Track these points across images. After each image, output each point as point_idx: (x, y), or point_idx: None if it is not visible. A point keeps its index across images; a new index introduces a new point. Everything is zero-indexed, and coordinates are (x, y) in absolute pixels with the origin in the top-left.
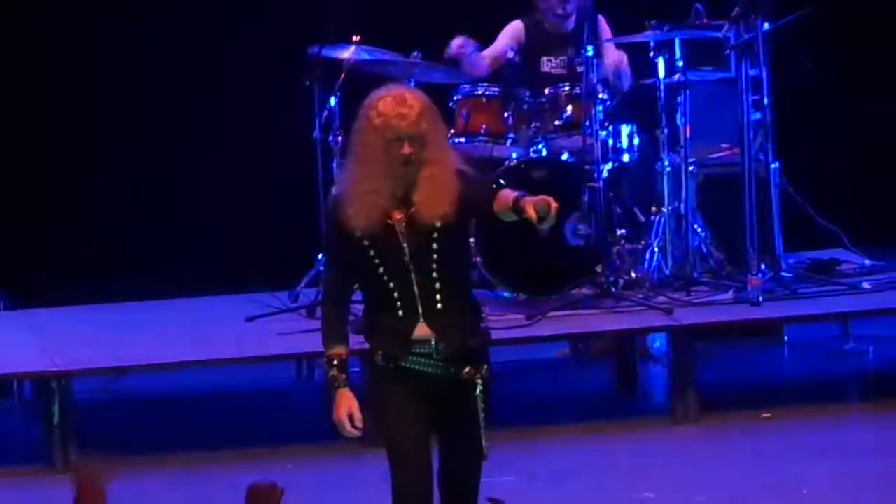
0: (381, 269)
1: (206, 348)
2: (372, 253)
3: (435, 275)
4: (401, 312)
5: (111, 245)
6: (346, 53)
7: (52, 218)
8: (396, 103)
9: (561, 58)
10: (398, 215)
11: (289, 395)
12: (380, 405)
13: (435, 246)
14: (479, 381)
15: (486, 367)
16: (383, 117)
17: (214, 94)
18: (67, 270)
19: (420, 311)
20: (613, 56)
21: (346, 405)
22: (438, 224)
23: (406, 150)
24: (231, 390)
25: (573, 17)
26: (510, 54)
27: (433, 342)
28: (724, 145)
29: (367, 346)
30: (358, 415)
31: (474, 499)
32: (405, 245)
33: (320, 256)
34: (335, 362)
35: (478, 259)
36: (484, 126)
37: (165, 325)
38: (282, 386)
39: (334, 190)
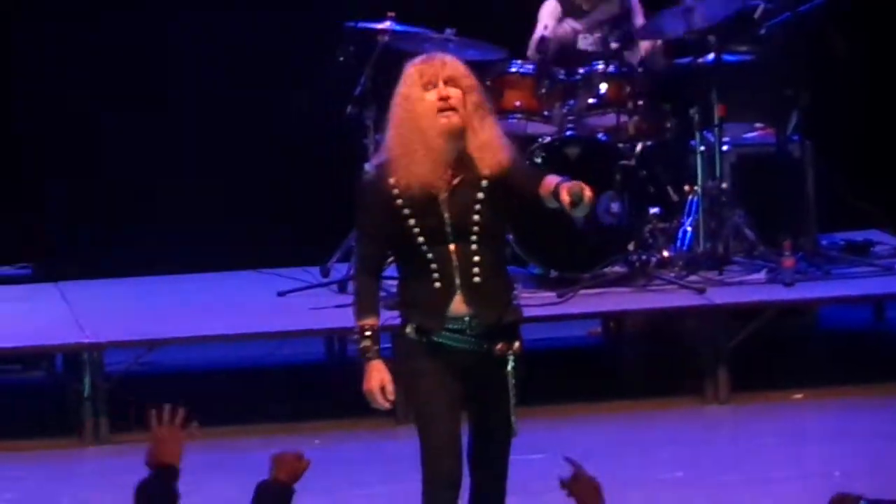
0: (421, 239)
1: (238, 322)
2: (412, 222)
3: (474, 246)
4: (438, 284)
5: (144, 217)
6: (381, 28)
7: (83, 190)
8: (427, 59)
9: (596, 34)
10: (441, 184)
11: (319, 371)
12: (410, 380)
13: (476, 217)
14: (511, 358)
15: (517, 343)
16: (416, 67)
17: (247, 68)
18: (99, 242)
19: (458, 283)
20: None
21: (378, 377)
22: (481, 195)
23: (442, 91)
24: (261, 365)
25: None
26: (545, 31)
27: (468, 318)
28: (757, 125)
29: (398, 321)
30: (390, 387)
31: (503, 475)
32: (446, 215)
33: (352, 231)
34: (367, 333)
35: (510, 236)
36: (518, 103)
37: (197, 298)
38: (312, 361)
39: (373, 161)
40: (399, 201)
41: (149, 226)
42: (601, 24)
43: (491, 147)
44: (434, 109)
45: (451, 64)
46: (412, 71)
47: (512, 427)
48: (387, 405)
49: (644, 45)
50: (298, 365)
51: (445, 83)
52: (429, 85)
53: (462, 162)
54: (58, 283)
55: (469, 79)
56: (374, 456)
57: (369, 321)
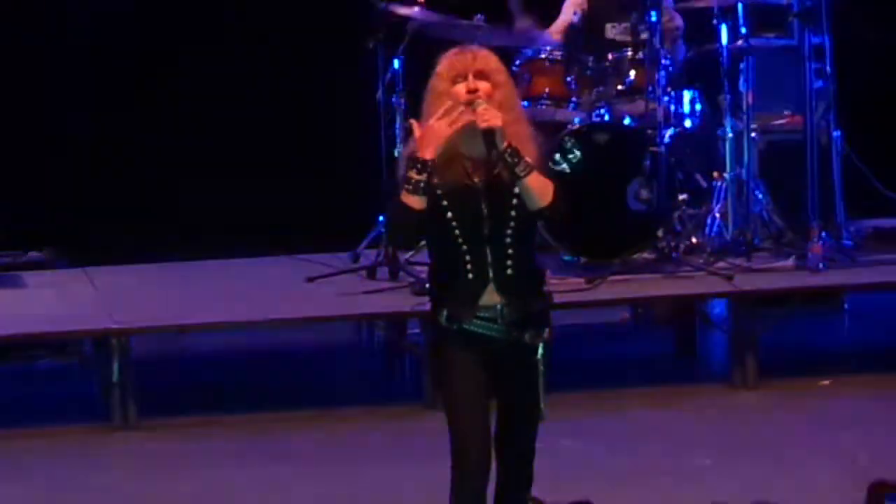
0: (457, 231)
1: (266, 308)
2: (449, 214)
3: (509, 240)
4: (471, 276)
5: (173, 203)
6: (411, 13)
7: (113, 175)
8: (459, 52)
9: (624, 24)
10: (479, 177)
11: (348, 356)
12: (441, 367)
13: (513, 213)
14: (541, 345)
15: (547, 330)
16: (448, 61)
17: (278, 53)
18: (127, 228)
19: (490, 275)
20: (676, 22)
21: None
22: (517, 189)
23: (471, 84)
24: (290, 351)
25: None
26: (574, 18)
27: (499, 307)
28: (786, 112)
29: (428, 307)
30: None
31: (530, 460)
32: (485, 209)
33: (381, 217)
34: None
35: (539, 222)
36: (546, 90)
37: (226, 284)
38: (341, 347)
39: (409, 146)
40: (438, 191)
41: (178, 211)
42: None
43: (525, 135)
44: (465, 99)
45: (483, 57)
46: (443, 64)
47: (541, 412)
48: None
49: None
50: (327, 351)
51: (475, 76)
52: (458, 78)
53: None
54: (86, 268)
55: (500, 74)
56: (403, 441)
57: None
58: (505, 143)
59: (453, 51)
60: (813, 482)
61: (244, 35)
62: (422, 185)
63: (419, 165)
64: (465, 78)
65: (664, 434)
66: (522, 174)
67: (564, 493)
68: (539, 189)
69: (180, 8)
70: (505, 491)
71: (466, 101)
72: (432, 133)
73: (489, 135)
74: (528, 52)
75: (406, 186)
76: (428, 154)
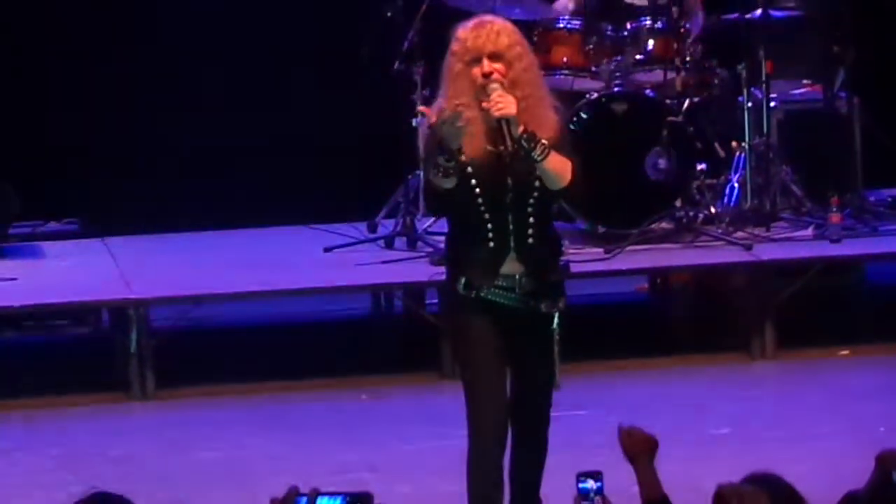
0: (480, 200)
1: (284, 278)
2: (473, 182)
3: (531, 209)
4: (492, 244)
5: (191, 172)
6: None
7: (129, 145)
8: (476, 25)
9: None
10: (503, 146)
11: (365, 326)
12: (457, 335)
13: (537, 182)
14: (556, 315)
15: (562, 300)
16: (461, 41)
17: (294, 23)
18: (146, 198)
19: (512, 244)
20: None
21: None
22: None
23: (485, 67)
24: (308, 320)
25: None
26: None
27: (518, 276)
28: (804, 81)
29: (444, 277)
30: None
31: (545, 428)
32: (510, 180)
33: (399, 187)
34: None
35: None
36: (565, 59)
37: (243, 254)
38: (359, 316)
39: (428, 121)
40: (462, 159)
41: (196, 181)
42: None
43: (535, 124)
44: (478, 85)
45: (497, 36)
46: (459, 42)
47: (554, 380)
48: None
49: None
50: (345, 320)
51: (490, 58)
52: (472, 61)
53: (519, 118)
54: (104, 238)
55: (515, 49)
56: (420, 410)
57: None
58: (520, 129)
59: (469, 27)
60: (829, 453)
61: (259, 4)
62: (451, 170)
63: (446, 155)
64: (480, 60)
65: (680, 404)
66: (540, 159)
67: (578, 462)
68: (558, 171)
69: None
70: (520, 459)
71: (482, 84)
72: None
73: (504, 122)
74: (546, 21)
75: (435, 171)
76: (453, 144)
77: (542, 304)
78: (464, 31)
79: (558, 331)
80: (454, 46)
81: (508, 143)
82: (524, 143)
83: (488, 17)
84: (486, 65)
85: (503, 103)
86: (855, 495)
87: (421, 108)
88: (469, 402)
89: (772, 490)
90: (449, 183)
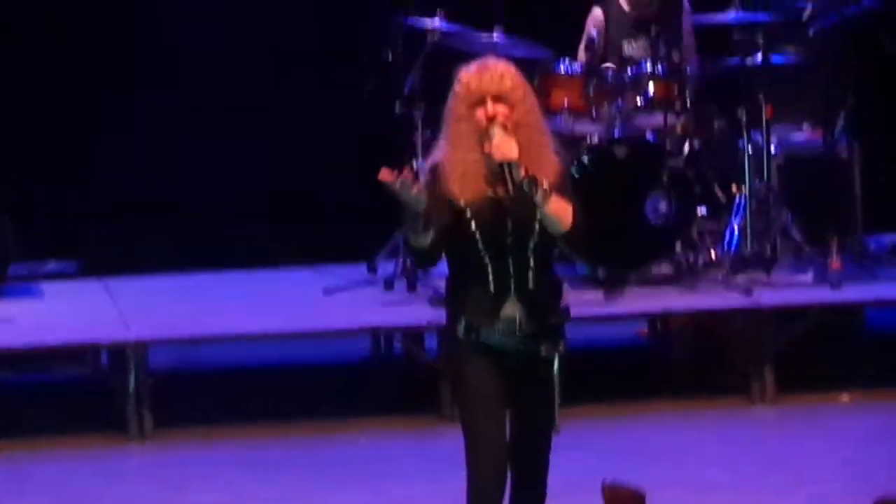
0: (480, 244)
1: (283, 320)
2: (473, 226)
3: (531, 252)
4: (492, 287)
5: (190, 213)
6: (432, 25)
7: (129, 185)
8: (479, 68)
9: (642, 39)
10: (503, 190)
11: (365, 368)
12: (457, 379)
13: (537, 226)
14: (556, 358)
15: (562, 343)
16: (465, 83)
17: (295, 66)
18: (146, 239)
19: (512, 288)
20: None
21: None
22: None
23: (489, 110)
24: (307, 362)
25: None
26: (593, 33)
27: (518, 320)
28: (805, 126)
29: (444, 320)
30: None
31: (544, 471)
32: (509, 222)
33: (399, 229)
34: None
35: None
36: (565, 103)
37: (242, 295)
38: (358, 359)
39: (429, 159)
40: (462, 203)
41: (195, 222)
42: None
43: (545, 151)
44: (481, 123)
45: (501, 79)
46: (462, 84)
47: (554, 424)
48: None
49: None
50: (344, 363)
51: (494, 100)
52: (476, 104)
53: (520, 159)
54: (103, 279)
55: (518, 91)
56: (419, 453)
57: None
58: (522, 172)
59: (472, 69)
60: (828, 498)
61: (262, 47)
62: (419, 229)
63: (412, 216)
64: (483, 102)
65: (680, 448)
66: (541, 203)
67: None
68: (559, 214)
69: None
70: (518, 502)
71: (485, 127)
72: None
73: (506, 165)
74: (548, 64)
75: (406, 230)
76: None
77: (542, 347)
78: (467, 74)
79: (558, 374)
80: (457, 88)
81: (510, 186)
82: (525, 187)
83: (491, 60)
84: (490, 107)
85: (505, 147)
86: None
87: (384, 171)
88: (468, 446)
89: None
90: (424, 239)
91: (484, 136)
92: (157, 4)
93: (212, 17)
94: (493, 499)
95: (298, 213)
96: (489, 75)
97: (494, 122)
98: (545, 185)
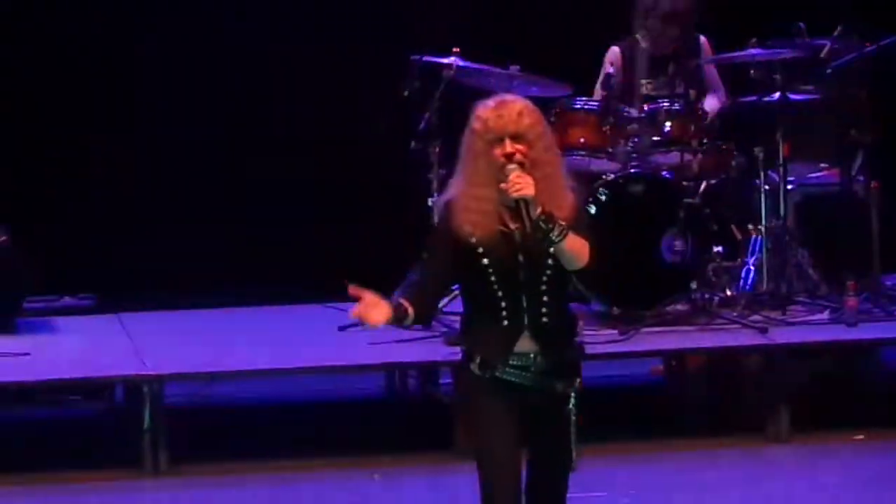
0: (493, 278)
1: (298, 356)
2: (485, 261)
3: (544, 287)
4: (506, 322)
5: (206, 249)
6: (447, 63)
7: (145, 221)
8: (496, 105)
9: (660, 79)
10: (515, 225)
11: (379, 405)
12: (472, 416)
13: (549, 261)
14: (573, 395)
15: (578, 380)
16: (483, 120)
17: (311, 103)
18: (162, 274)
19: (525, 322)
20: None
21: (375, 298)
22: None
23: (507, 148)
24: (322, 399)
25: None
26: (610, 70)
27: (533, 355)
28: (822, 164)
29: (459, 356)
30: (384, 308)
31: None
32: (521, 257)
33: (413, 267)
34: (395, 300)
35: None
36: (582, 140)
37: (257, 331)
38: (372, 396)
39: (444, 195)
40: (473, 240)
41: (211, 258)
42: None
43: (549, 205)
44: (499, 161)
45: (519, 117)
46: (480, 121)
47: (571, 462)
48: (366, 317)
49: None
50: (358, 399)
51: (512, 139)
52: (493, 142)
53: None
54: (119, 314)
55: (536, 129)
56: (433, 491)
57: (401, 298)
58: (538, 210)
59: (490, 105)
60: None
61: (280, 84)
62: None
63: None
64: (501, 140)
65: (694, 486)
66: (558, 240)
67: None
68: (575, 252)
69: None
70: None
71: (501, 165)
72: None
73: (522, 202)
74: (564, 101)
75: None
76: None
77: (557, 383)
78: (485, 111)
79: (575, 411)
80: (475, 125)
81: (526, 223)
82: (542, 225)
83: (509, 97)
84: (509, 146)
85: (521, 184)
86: None
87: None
88: (483, 483)
89: None
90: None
91: (500, 173)
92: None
93: (227, 54)
94: None
95: (313, 250)
96: (507, 112)
97: (511, 161)
98: (561, 223)
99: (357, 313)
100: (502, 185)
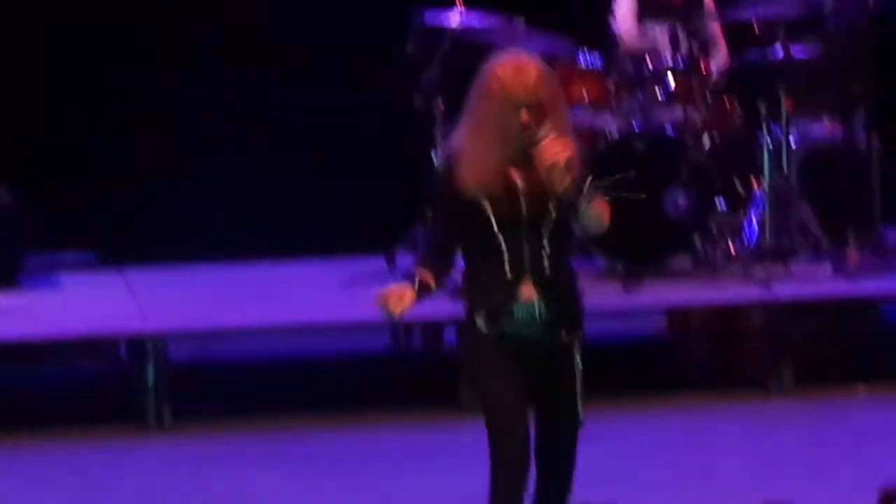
0: (496, 229)
1: (302, 312)
2: (489, 212)
3: (546, 239)
4: (509, 275)
5: (209, 204)
6: (451, 18)
7: (148, 175)
8: (516, 70)
9: (666, 24)
10: (519, 177)
11: (383, 361)
12: (478, 371)
13: (552, 211)
14: (576, 347)
15: (581, 333)
16: (502, 84)
17: (317, 58)
18: (165, 231)
19: (528, 273)
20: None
21: (398, 288)
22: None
23: (524, 117)
24: (326, 356)
25: None
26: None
27: (536, 306)
28: (825, 119)
29: (462, 312)
30: (408, 296)
31: (571, 466)
32: (524, 206)
33: (418, 220)
34: (416, 278)
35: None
36: (585, 96)
37: (261, 287)
38: (377, 351)
39: (446, 150)
40: (477, 192)
41: (215, 212)
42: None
43: (558, 171)
44: (514, 128)
45: (538, 86)
46: (499, 84)
47: (579, 417)
48: (392, 312)
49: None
50: (363, 356)
51: (529, 107)
52: (512, 108)
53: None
54: (122, 270)
55: (553, 95)
56: (438, 446)
57: (422, 272)
58: (570, 176)
59: (508, 69)
60: (845, 490)
61: (284, 40)
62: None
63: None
64: (519, 108)
65: (699, 440)
66: (587, 206)
67: (595, 499)
68: (601, 215)
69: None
70: (544, 497)
71: (521, 129)
72: None
73: (554, 169)
74: (567, 57)
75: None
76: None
77: (562, 334)
78: (504, 73)
79: (579, 364)
80: (493, 87)
81: (559, 189)
82: (576, 191)
83: (525, 59)
84: (525, 114)
85: (554, 151)
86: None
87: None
88: (491, 438)
89: None
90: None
91: (513, 136)
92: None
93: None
94: (517, 491)
95: (317, 206)
96: (526, 79)
97: (543, 127)
98: (591, 187)
99: (386, 310)
100: (534, 151)
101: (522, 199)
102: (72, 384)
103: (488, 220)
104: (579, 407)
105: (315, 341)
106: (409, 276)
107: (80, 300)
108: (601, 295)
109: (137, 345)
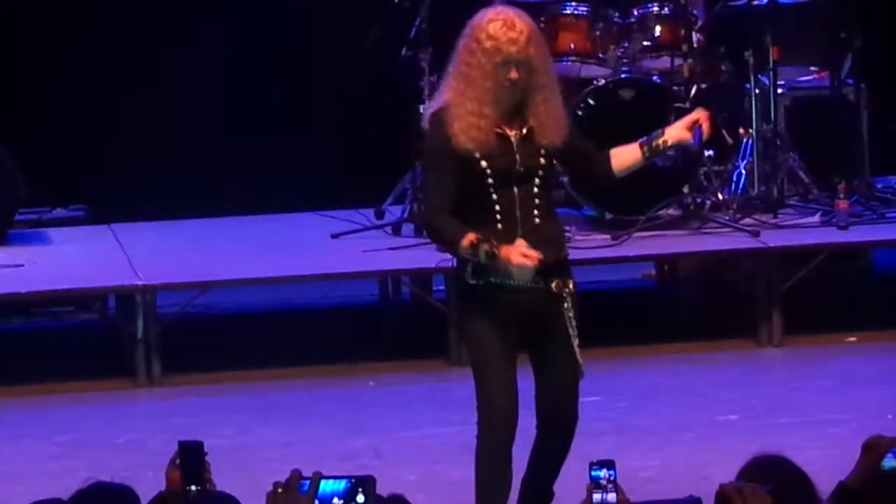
0: (490, 181)
1: (291, 264)
2: (483, 164)
3: (536, 190)
4: (500, 225)
5: (198, 158)
6: None
7: (136, 131)
8: (506, 27)
9: None
10: (512, 130)
11: (373, 313)
12: (467, 323)
13: (543, 162)
14: (567, 295)
15: (571, 281)
16: (493, 41)
17: (302, 11)
18: (153, 184)
19: (519, 223)
20: None
21: (515, 250)
22: (545, 142)
23: (513, 75)
24: (315, 307)
25: None
26: None
27: None
28: (812, 67)
29: (454, 264)
30: (532, 252)
31: (574, 418)
32: (518, 157)
33: (406, 173)
34: (480, 241)
35: (565, 178)
36: (572, 45)
37: (250, 240)
38: (366, 303)
39: (434, 104)
40: (469, 146)
41: (203, 167)
42: None
43: (548, 126)
44: (503, 84)
45: (527, 43)
46: (487, 44)
47: (579, 368)
48: (534, 262)
49: None
50: (352, 307)
51: (517, 65)
52: (501, 65)
53: (534, 117)
54: (111, 224)
55: (540, 52)
56: (427, 398)
57: (470, 236)
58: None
59: (498, 25)
60: (836, 439)
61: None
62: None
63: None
64: (506, 63)
65: (689, 390)
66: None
67: (586, 449)
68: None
69: None
70: (546, 449)
71: (510, 86)
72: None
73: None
74: (553, 6)
75: (469, 254)
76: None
77: (553, 281)
78: (493, 29)
79: (573, 314)
80: (485, 44)
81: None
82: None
83: (513, 16)
84: (515, 72)
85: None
86: (846, 485)
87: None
88: (479, 389)
89: (778, 472)
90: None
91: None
92: None
93: None
94: (504, 442)
95: (305, 158)
96: (515, 37)
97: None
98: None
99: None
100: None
101: (517, 152)
102: (62, 338)
103: (482, 173)
104: (578, 358)
105: (304, 293)
106: (477, 248)
107: (69, 255)
108: (589, 244)
109: (127, 298)
